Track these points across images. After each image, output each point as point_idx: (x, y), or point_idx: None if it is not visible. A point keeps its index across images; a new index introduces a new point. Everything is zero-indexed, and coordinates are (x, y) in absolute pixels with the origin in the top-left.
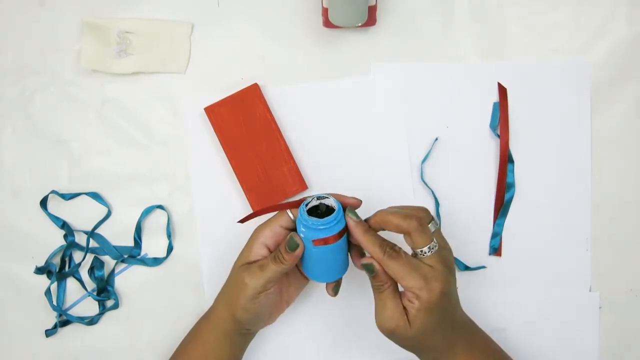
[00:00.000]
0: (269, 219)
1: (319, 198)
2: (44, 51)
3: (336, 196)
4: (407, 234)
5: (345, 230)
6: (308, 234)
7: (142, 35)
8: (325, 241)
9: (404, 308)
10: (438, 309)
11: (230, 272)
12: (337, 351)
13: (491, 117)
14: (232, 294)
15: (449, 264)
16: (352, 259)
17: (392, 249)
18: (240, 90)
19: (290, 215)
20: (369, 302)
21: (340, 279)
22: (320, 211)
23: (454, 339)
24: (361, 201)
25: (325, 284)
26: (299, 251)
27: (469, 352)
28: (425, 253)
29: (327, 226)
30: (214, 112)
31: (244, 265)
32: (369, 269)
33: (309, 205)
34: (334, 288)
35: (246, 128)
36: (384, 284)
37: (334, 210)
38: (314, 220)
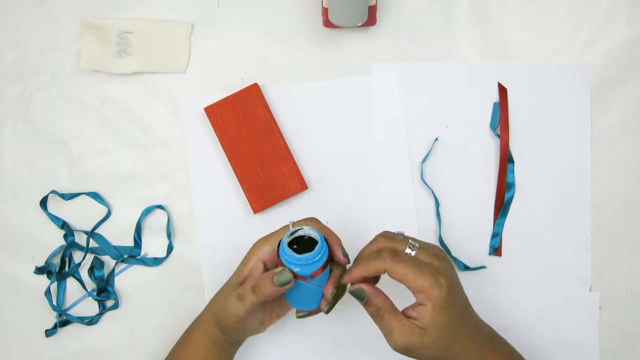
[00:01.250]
0: (270, 234)
1: (292, 234)
2: (44, 51)
3: (311, 224)
4: (386, 252)
5: (329, 258)
6: (302, 270)
7: (142, 35)
8: (314, 274)
9: (414, 320)
10: (451, 305)
11: (226, 284)
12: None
13: (491, 117)
14: (220, 311)
15: (442, 255)
16: (324, 291)
17: (395, 252)
18: (240, 90)
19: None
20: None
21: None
22: (296, 242)
23: (481, 343)
24: (346, 261)
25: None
26: (287, 287)
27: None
28: (410, 253)
29: (315, 259)
30: (214, 112)
31: (235, 284)
32: (359, 295)
33: (289, 239)
34: (330, 307)
35: (246, 128)
36: (379, 309)
37: (313, 239)
38: (306, 255)
